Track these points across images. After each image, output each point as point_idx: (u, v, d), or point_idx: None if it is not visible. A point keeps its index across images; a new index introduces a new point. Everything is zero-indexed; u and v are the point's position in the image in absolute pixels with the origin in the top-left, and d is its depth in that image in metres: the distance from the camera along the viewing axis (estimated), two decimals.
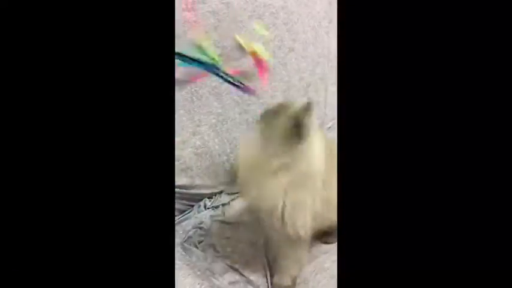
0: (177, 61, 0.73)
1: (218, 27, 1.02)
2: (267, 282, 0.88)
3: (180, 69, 0.76)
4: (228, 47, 1.01)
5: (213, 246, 0.99)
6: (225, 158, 1.14)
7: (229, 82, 0.76)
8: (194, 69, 0.75)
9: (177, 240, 1.01)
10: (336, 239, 0.86)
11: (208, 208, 1.13)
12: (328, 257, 0.90)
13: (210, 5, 1.02)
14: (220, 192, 1.17)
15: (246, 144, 0.88)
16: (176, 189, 1.07)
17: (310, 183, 0.75)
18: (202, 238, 1.02)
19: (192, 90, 1.04)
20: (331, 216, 0.75)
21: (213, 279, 0.87)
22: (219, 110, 1.10)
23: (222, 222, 1.07)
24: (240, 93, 0.86)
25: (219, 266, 0.92)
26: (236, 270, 0.91)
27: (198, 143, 1.09)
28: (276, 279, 0.88)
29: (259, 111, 0.84)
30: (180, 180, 1.08)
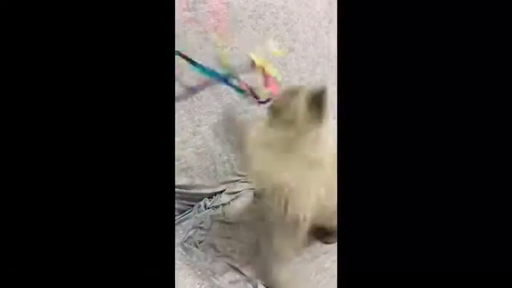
0: (192, 68, 0.75)
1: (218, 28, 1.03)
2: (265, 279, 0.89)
3: (191, 76, 0.78)
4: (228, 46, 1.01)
5: (213, 246, 0.99)
6: (225, 158, 1.15)
7: (237, 89, 0.78)
8: (209, 79, 0.77)
9: (178, 240, 1.01)
10: (336, 239, 0.86)
11: (208, 208, 1.13)
12: (328, 257, 0.90)
13: (210, 4, 1.02)
14: (221, 192, 1.17)
15: (257, 126, 0.88)
16: (176, 189, 1.07)
17: (319, 168, 0.75)
18: (202, 238, 1.02)
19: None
20: (332, 206, 0.75)
21: (213, 279, 0.87)
22: (219, 110, 1.10)
23: (222, 222, 1.07)
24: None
25: (219, 265, 0.92)
26: (236, 269, 0.91)
27: (198, 142, 1.09)
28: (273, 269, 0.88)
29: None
30: (180, 180, 1.08)
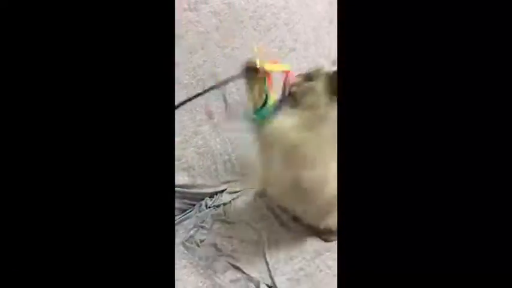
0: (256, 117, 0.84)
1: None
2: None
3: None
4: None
5: (214, 245, 1.00)
6: (226, 157, 1.15)
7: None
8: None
9: (179, 240, 1.01)
10: (336, 237, 0.86)
11: (209, 207, 1.13)
12: (328, 256, 0.91)
13: (211, 5, 1.02)
14: (222, 192, 1.17)
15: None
16: (178, 189, 1.08)
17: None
18: (203, 237, 1.02)
19: (193, 90, 1.04)
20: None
21: (215, 278, 0.87)
22: (220, 110, 1.11)
23: (223, 221, 1.08)
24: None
25: (220, 264, 0.93)
26: (237, 268, 0.91)
27: (199, 142, 1.10)
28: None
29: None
30: (181, 179, 1.08)
